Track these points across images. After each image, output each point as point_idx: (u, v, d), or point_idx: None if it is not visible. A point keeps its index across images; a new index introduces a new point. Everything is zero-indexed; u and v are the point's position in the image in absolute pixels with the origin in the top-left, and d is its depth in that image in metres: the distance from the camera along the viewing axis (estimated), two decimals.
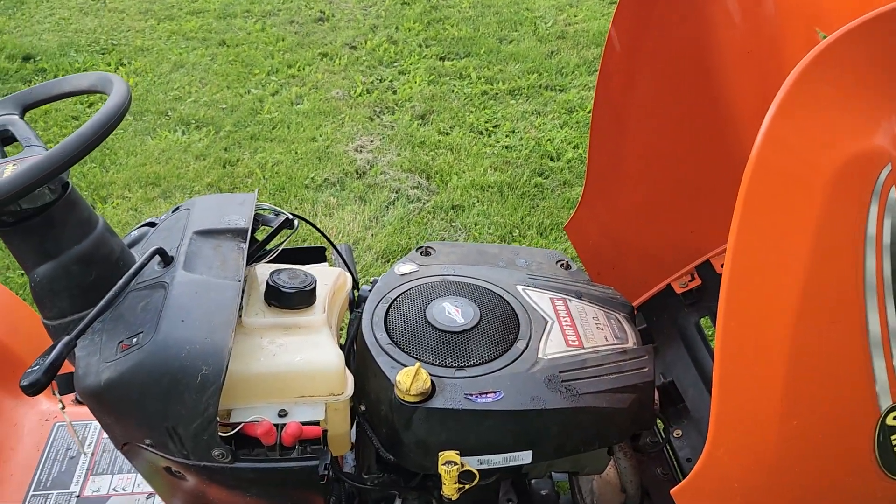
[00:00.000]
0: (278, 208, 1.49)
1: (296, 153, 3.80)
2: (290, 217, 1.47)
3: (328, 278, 1.48)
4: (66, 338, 1.13)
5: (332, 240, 1.67)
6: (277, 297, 1.36)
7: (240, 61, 4.67)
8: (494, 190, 3.51)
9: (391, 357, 1.32)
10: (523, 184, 3.55)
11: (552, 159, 3.74)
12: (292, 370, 1.28)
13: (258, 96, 4.31)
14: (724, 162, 1.54)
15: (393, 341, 1.36)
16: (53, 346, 1.11)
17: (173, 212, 1.50)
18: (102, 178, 3.59)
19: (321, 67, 4.64)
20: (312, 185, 3.57)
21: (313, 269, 1.48)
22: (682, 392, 1.70)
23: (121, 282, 1.22)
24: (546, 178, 3.61)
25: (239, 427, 1.22)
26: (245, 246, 1.37)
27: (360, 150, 3.85)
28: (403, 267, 1.60)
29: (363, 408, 1.38)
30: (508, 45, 4.84)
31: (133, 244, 1.46)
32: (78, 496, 1.62)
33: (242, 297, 1.35)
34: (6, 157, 1.24)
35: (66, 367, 1.23)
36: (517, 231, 3.27)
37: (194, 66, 4.64)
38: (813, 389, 0.99)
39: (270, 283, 1.37)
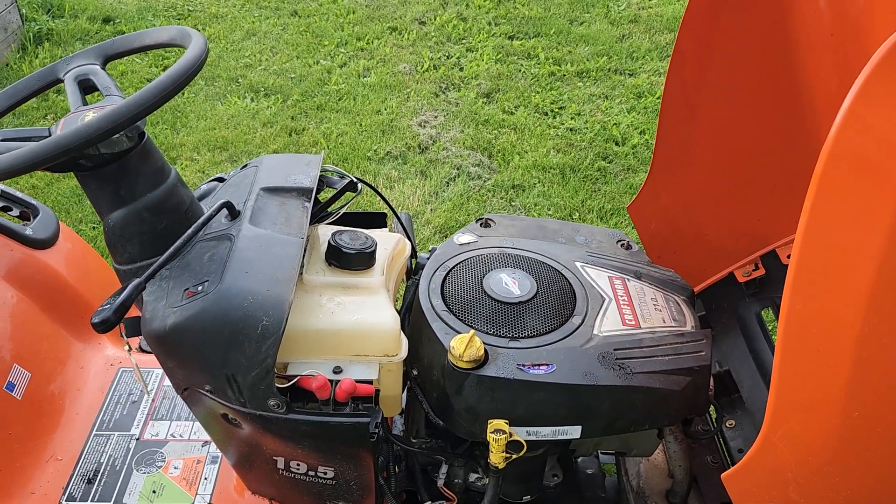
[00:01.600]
0: (343, 171, 1.51)
1: (360, 125, 3.84)
2: (354, 180, 1.49)
3: (388, 243, 1.49)
4: (136, 281, 1.17)
5: (393, 207, 1.68)
6: (338, 257, 1.38)
7: (310, 32, 4.72)
8: (556, 171, 3.48)
9: (446, 323, 1.33)
10: (586, 167, 3.51)
11: (617, 144, 3.69)
12: (349, 328, 1.30)
13: (326, 67, 4.36)
14: (798, 148, 1.49)
15: (449, 308, 1.37)
16: (123, 288, 1.15)
17: (242, 169, 1.53)
18: (173, 139, 3.69)
19: (389, 41, 4.66)
20: (375, 157, 3.60)
21: (374, 234, 1.50)
22: (737, 382, 1.67)
23: (189, 231, 1.25)
24: (610, 163, 3.56)
25: (295, 379, 1.25)
26: (309, 205, 1.39)
27: (424, 126, 3.86)
28: (463, 237, 1.60)
29: (416, 372, 1.39)
30: (579, 26, 4.77)
31: (202, 197, 1.50)
32: (138, 438, 1.68)
33: (304, 255, 1.37)
34: (87, 104, 1.29)
35: (135, 312, 1.28)
36: (577, 214, 3.24)
37: (266, 34, 4.71)
38: (879, 381, 0.96)
39: (332, 242, 1.39)
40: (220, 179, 1.54)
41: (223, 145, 3.65)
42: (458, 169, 3.51)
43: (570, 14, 4.90)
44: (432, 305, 1.38)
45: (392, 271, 1.48)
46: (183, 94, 4.09)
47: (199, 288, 1.22)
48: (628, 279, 1.49)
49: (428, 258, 1.56)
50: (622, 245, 1.62)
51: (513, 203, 3.30)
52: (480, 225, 1.66)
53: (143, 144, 1.26)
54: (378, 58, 4.47)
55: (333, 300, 1.34)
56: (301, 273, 1.36)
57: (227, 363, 1.21)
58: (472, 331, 1.28)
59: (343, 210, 1.52)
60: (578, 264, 1.52)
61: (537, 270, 1.47)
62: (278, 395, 1.23)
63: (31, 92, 1.38)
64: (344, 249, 1.38)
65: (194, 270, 1.26)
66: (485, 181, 3.44)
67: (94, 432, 1.69)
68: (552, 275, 1.46)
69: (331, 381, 1.26)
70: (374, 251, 1.40)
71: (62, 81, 1.38)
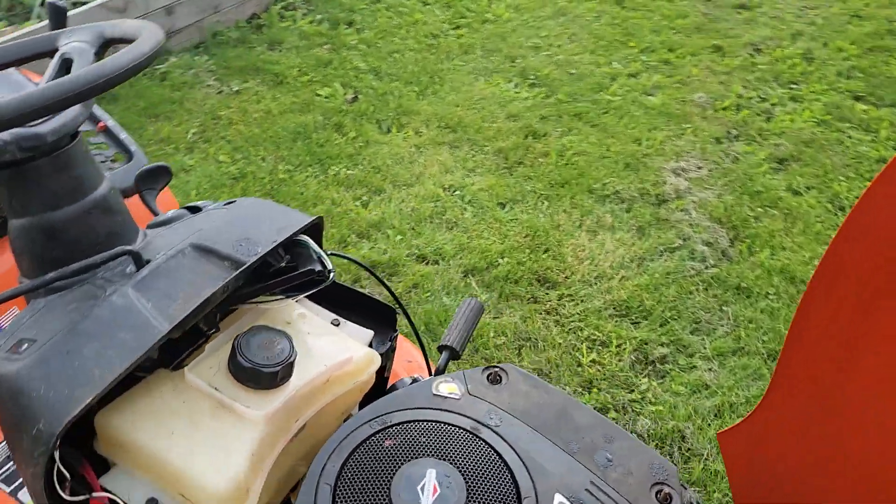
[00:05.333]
0: (323, 255, 1.15)
1: (607, 149, 3.31)
2: (327, 271, 1.12)
3: (332, 358, 1.11)
4: None
5: (403, 305, 1.28)
6: (232, 363, 1.05)
7: (623, 27, 4.20)
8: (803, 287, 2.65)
9: None
10: None
11: None
12: (174, 461, 0.98)
13: (613, 72, 3.84)
14: None
15: None
16: None
17: (225, 205, 1.26)
18: (413, 104, 3.53)
19: (705, 61, 3.96)
20: (598, 192, 3.08)
21: (328, 340, 1.13)
22: None
23: (49, 276, 1.03)
24: None
25: (83, 499, 0.97)
26: (231, 281, 1.07)
27: (678, 174, 3.20)
28: (445, 386, 1.15)
29: None
30: None
31: (162, 224, 1.26)
32: None
33: (209, 341, 1.08)
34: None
35: None
36: None
37: (575, 18, 4.30)
38: None
39: (235, 343, 1.05)
40: (195, 209, 1.29)
41: (454, 126, 3.40)
42: (683, 240, 2.85)
43: None
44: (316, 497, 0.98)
45: (310, 403, 1.10)
46: (452, 58, 3.91)
47: (23, 348, 0.99)
48: None
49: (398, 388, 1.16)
50: (658, 492, 1.04)
51: (722, 309, 2.58)
52: (488, 377, 1.19)
53: (57, 156, 1.04)
54: (678, 77, 3.83)
55: (192, 416, 1.02)
56: (184, 366, 1.06)
57: (12, 445, 0.98)
58: None
59: (299, 294, 1.17)
60: (562, 498, 1.00)
61: (491, 481, 0.98)
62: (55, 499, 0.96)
63: (20, 57, 1.23)
64: (237, 357, 1.04)
65: (44, 321, 1.03)
66: (706, 268, 2.74)
67: None
68: (508, 494, 0.97)
69: None
70: (275, 372, 1.04)
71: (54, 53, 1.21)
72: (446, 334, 1.31)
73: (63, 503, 0.97)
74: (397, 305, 1.30)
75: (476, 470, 1.00)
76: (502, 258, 2.71)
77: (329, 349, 1.12)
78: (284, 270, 1.14)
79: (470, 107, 3.52)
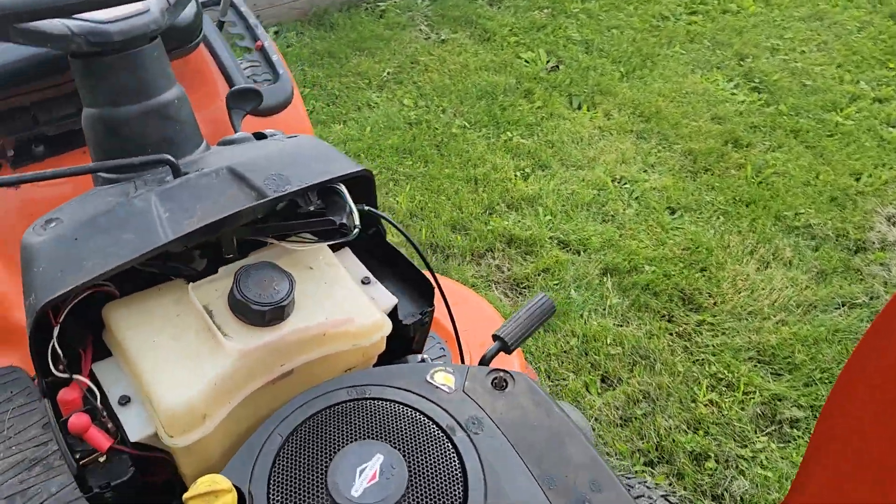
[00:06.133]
0: (356, 209, 1.09)
1: (815, 176, 2.89)
2: (347, 225, 1.07)
3: (334, 312, 1.06)
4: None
5: (432, 270, 1.20)
6: (230, 294, 1.04)
7: (888, 44, 3.63)
8: None
9: None
10: None
11: None
12: (145, 370, 0.99)
13: (855, 92, 3.33)
14: None
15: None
16: None
17: (288, 138, 1.25)
18: (614, 85, 3.32)
19: None
20: (787, 220, 2.70)
21: (354, 294, 1.09)
22: None
23: (89, 165, 1.08)
24: None
25: (67, 377, 1.02)
26: (244, 211, 1.05)
27: (893, 223, 2.72)
28: (441, 375, 1.06)
29: None
30: None
31: (228, 143, 1.28)
32: None
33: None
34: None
35: None
36: None
37: (832, 24, 3.78)
38: None
39: (237, 273, 1.04)
40: (262, 136, 1.29)
41: (648, 116, 3.15)
42: (870, 298, 2.43)
43: None
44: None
45: (300, 350, 1.05)
46: (674, 44, 3.61)
47: (51, 226, 1.06)
48: None
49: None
50: None
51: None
52: (493, 380, 1.07)
53: (125, 56, 1.09)
54: None
55: (179, 331, 1.03)
56: (188, 282, 1.07)
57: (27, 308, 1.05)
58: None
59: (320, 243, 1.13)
60: None
61: (438, 486, 0.89)
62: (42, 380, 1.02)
63: None
64: (233, 288, 1.02)
65: (78, 206, 1.09)
66: None
67: None
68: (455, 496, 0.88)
69: (89, 407, 1.00)
70: (262, 312, 1.00)
71: None
72: (505, 324, 1.21)
73: (50, 376, 1.01)
74: (426, 269, 1.21)
75: (427, 471, 0.91)
76: (650, 265, 2.49)
77: (337, 304, 1.08)
78: (312, 215, 1.11)
79: (673, 99, 3.25)
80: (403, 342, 1.24)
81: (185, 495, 0.84)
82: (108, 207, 1.04)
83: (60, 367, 1.00)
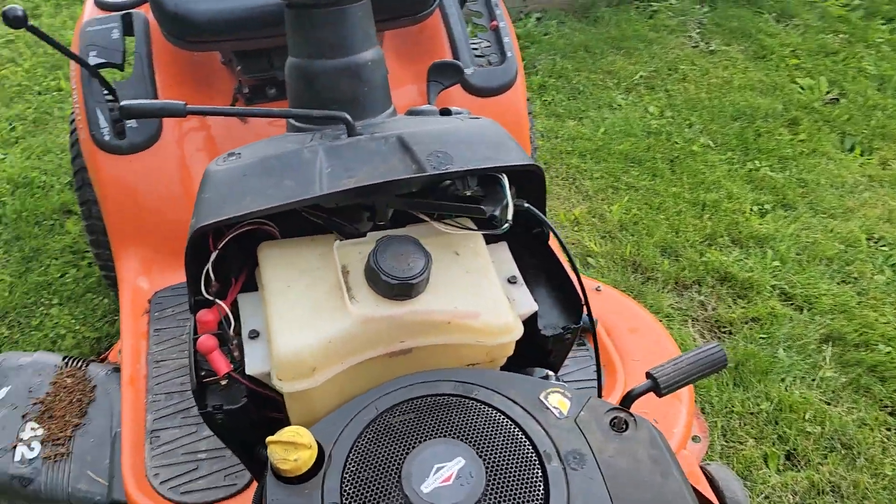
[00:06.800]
0: (513, 205, 1.03)
1: None
2: (497, 218, 1.02)
3: (464, 303, 1.02)
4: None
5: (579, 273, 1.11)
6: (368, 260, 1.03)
7: None
8: None
9: None
10: None
11: None
12: (271, 312, 1.02)
13: None
14: None
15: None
16: None
17: (471, 118, 1.21)
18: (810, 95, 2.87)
19: None
20: None
21: (494, 290, 1.04)
22: None
23: (278, 111, 1.14)
24: None
25: (210, 301, 1.08)
26: (400, 181, 1.03)
27: None
28: (556, 397, 0.98)
29: None
30: None
31: (415, 113, 1.28)
32: None
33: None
34: None
35: None
36: None
37: None
38: None
39: (375, 246, 1.02)
40: (447, 112, 1.26)
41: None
42: None
43: None
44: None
45: (422, 332, 1.02)
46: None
47: (231, 158, 1.13)
48: None
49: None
50: None
51: None
52: (612, 419, 0.96)
53: (331, 12, 1.15)
54: None
55: (314, 283, 1.04)
56: (337, 241, 1.09)
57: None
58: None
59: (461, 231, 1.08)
60: None
61: None
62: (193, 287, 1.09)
63: None
64: (370, 256, 1.01)
65: (262, 146, 1.15)
66: None
67: None
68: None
69: (222, 332, 1.06)
70: (391, 284, 0.98)
71: None
72: (663, 365, 1.10)
73: (199, 297, 1.08)
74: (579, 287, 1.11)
75: (505, 490, 0.86)
76: (887, 345, 2.11)
77: (470, 295, 1.04)
78: (466, 199, 1.06)
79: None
80: (539, 353, 1.16)
81: (269, 438, 0.86)
82: (281, 152, 1.08)
83: (212, 289, 1.07)
